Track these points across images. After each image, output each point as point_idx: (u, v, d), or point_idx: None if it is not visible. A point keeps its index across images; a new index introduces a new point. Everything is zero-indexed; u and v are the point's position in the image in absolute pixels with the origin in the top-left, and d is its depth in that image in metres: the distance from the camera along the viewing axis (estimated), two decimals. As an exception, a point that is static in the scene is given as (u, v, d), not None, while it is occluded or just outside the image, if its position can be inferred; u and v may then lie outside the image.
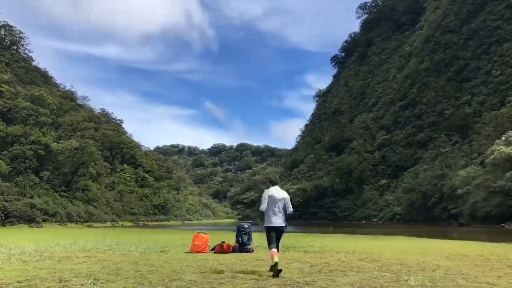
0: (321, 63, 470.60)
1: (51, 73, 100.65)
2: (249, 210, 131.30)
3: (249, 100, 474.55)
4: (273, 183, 6.83)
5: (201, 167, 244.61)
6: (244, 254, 9.48)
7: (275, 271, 5.75)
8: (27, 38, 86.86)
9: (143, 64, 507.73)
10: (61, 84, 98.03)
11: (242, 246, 10.16)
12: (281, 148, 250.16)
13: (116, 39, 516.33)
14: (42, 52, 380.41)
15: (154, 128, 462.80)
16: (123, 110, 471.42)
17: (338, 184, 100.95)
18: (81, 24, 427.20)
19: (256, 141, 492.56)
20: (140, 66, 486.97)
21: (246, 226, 10.67)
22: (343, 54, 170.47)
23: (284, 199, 6.55)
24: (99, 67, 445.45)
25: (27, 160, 50.94)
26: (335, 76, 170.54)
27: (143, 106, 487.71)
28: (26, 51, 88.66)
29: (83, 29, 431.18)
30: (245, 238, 10.32)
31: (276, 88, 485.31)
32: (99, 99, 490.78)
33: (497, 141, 49.81)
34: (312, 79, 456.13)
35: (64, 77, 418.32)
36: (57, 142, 58.26)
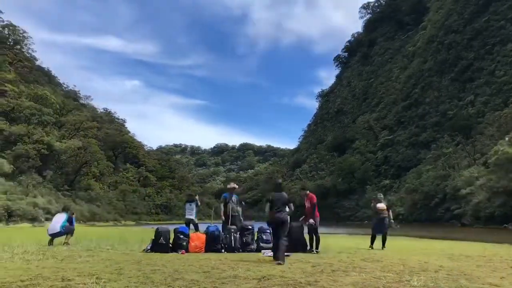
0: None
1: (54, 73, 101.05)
2: (252, 210, 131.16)
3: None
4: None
5: (204, 167, 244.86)
6: (246, 254, 9.46)
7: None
8: (31, 37, 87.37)
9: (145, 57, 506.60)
10: (64, 84, 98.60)
11: (245, 246, 10.14)
12: (284, 148, 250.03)
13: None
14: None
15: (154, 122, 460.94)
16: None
17: (341, 184, 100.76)
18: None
19: (259, 140, 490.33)
20: (143, 59, 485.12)
21: (250, 226, 10.63)
22: (346, 54, 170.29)
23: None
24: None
25: (30, 160, 51.13)
26: (338, 76, 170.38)
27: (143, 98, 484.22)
28: (30, 51, 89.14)
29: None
30: (249, 238, 10.29)
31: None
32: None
33: (500, 141, 49.54)
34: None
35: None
36: (60, 142, 58.47)
